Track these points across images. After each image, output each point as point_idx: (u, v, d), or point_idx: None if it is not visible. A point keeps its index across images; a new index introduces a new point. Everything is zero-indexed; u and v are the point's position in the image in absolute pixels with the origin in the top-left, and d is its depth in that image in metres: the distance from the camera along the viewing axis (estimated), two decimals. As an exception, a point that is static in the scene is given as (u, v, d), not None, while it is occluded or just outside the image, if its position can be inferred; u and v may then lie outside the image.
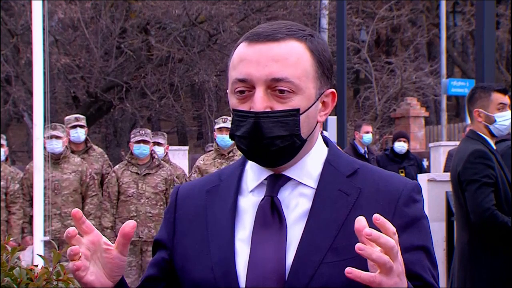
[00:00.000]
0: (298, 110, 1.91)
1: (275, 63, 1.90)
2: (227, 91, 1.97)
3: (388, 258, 1.68)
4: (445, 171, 11.19)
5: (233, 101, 1.94)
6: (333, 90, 2.00)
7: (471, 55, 33.74)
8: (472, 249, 5.00)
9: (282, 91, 1.90)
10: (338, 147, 2.24)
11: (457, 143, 14.63)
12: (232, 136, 1.96)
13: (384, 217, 1.81)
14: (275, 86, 1.90)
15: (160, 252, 2.06)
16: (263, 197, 1.96)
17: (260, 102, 1.89)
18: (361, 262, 1.80)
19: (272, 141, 1.90)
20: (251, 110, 1.90)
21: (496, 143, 5.31)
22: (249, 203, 1.98)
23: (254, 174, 2.00)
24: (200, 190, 2.05)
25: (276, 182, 1.96)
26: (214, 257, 1.94)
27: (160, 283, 2.04)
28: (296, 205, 1.95)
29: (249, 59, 1.92)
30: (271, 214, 1.93)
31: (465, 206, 5.05)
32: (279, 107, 1.91)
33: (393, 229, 1.71)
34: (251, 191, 1.99)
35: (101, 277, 1.86)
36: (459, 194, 5.11)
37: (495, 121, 5.16)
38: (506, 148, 5.37)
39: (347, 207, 1.93)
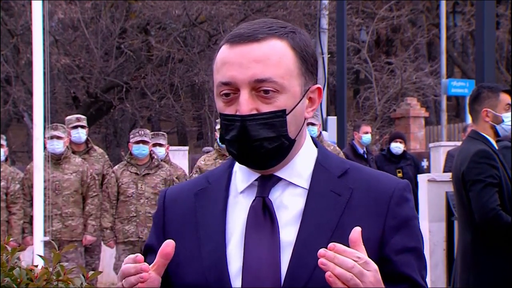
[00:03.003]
0: (284, 111, 1.90)
1: (257, 64, 1.89)
2: (214, 94, 1.96)
3: (351, 275, 1.72)
4: (445, 171, 11.17)
5: (220, 105, 1.93)
6: (319, 85, 2.00)
7: (471, 55, 33.72)
8: (475, 249, 4.99)
9: (266, 92, 1.89)
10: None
11: (457, 143, 14.64)
12: (222, 140, 1.95)
13: (377, 217, 1.90)
14: (259, 87, 1.89)
15: (151, 257, 2.00)
16: (254, 198, 1.94)
17: (245, 105, 1.88)
18: None
19: (260, 143, 1.89)
20: (237, 113, 1.89)
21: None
22: (239, 205, 1.97)
23: (243, 176, 1.99)
24: (189, 193, 2.03)
25: (267, 183, 1.95)
26: (206, 262, 1.92)
27: None
28: (288, 205, 1.94)
29: (232, 61, 1.91)
30: (263, 215, 1.92)
31: (469, 206, 5.03)
32: (265, 108, 1.90)
33: (359, 245, 1.75)
34: (241, 192, 1.98)
35: None
36: (462, 194, 5.10)
37: (502, 121, 5.15)
38: (501, 147, 5.34)
39: (340, 208, 1.92)
